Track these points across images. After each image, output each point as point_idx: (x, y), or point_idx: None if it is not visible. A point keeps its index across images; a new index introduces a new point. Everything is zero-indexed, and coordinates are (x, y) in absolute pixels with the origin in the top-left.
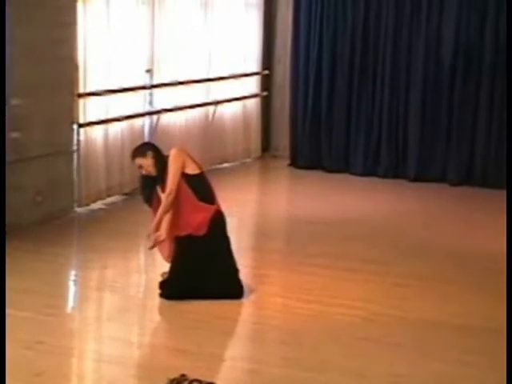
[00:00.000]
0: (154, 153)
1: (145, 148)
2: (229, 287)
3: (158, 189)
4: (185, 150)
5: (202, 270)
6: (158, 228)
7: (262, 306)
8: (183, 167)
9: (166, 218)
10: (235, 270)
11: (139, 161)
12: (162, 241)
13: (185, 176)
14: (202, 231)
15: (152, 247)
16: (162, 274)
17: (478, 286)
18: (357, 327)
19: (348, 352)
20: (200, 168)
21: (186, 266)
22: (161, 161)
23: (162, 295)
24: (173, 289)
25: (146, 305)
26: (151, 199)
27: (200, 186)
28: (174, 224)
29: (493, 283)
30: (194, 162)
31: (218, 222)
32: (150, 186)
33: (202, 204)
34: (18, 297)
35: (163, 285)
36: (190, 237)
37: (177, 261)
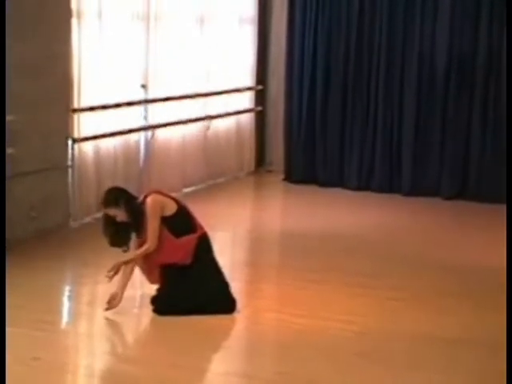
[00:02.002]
0: (127, 201)
1: (117, 196)
2: (220, 302)
3: (134, 235)
4: (158, 193)
5: (191, 289)
6: (118, 268)
7: (255, 320)
8: (161, 215)
9: (127, 272)
10: (225, 285)
11: (112, 211)
12: (115, 306)
13: (162, 219)
14: (188, 261)
15: (107, 309)
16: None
17: (472, 299)
18: (350, 341)
19: (341, 367)
20: (177, 202)
21: (174, 286)
22: (135, 208)
23: (154, 310)
24: (164, 304)
25: (140, 320)
26: (126, 245)
27: (178, 224)
28: (155, 261)
29: (487, 297)
30: (170, 198)
31: (201, 246)
32: (122, 231)
33: (181, 239)
34: (13, 312)
35: (154, 300)
36: (175, 265)
37: (165, 282)
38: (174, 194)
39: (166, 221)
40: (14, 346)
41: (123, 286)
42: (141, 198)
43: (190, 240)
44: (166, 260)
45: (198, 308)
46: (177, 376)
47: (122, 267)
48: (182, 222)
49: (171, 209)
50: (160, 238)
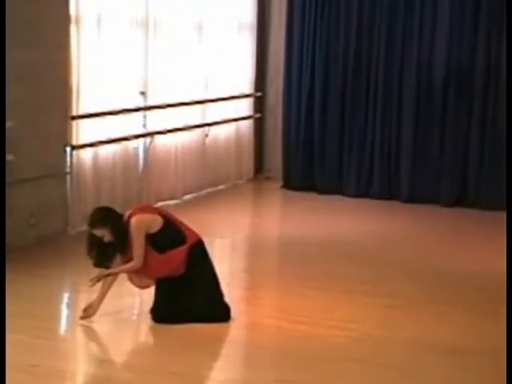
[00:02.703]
0: (113, 221)
1: (103, 216)
2: (215, 310)
3: (118, 255)
4: (144, 210)
5: (186, 299)
6: (100, 279)
7: (254, 327)
8: (146, 234)
9: (106, 285)
10: (219, 293)
11: (99, 232)
12: (90, 316)
13: (147, 237)
14: (180, 271)
15: (82, 318)
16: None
17: (471, 307)
18: (349, 349)
19: (340, 373)
20: (163, 216)
21: (169, 297)
22: (121, 229)
23: (153, 319)
24: (161, 314)
25: (138, 327)
26: (110, 265)
27: (163, 240)
28: (147, 277)
29: (485, 305)
30: (156, 213)
31: (195, 255)
32: (107, 252)
33: (167, 254)
34: (11, 319)
35: (152, 310)
36: (168, 277)
37: (160, 294)
38: (172, 202)
39: (151, 238)
40: (12, 353)
41: (101, 297)
42: (126, 216)
43: (179, 252)
44: (157, 275)
45: (195, 317)
46: (175, 383)
47: (103, 279)
48: (168, 237)
49: (157, 224)
50: (145, 257)
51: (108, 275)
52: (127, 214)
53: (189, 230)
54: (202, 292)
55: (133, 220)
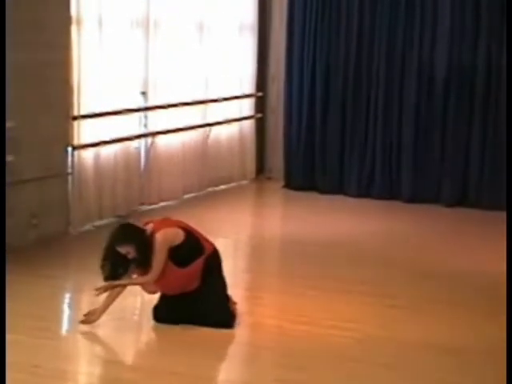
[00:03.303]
0: (138, 239)
1: (128, 233)
2: (220, 317)
3: (133, 269)
4: (166, 222)
5: (193, 304)
6: (108, 289)
7: (255, 327)
8: (169, 247)
9: (113, 295)
10: (227, 300)
11: (125, 249)
12: (91, 322)
13: (169, 250)
14: (195, 285)
15: (83, 322)
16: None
17: (471, 307)
18: (350, 349)
19: (341, 374)
20: (184, 229)
21: (174, 299)
22: (146, 245)
23: (154, 318)
24: (163, 313)
25: (140, 327)
26: (120, 278)
27: (185, 253)
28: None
29: (485, 305)
30: (177, 226)
31: (209, 266)
32: (122, 266)
33: (188, 268)
34: (12, 320)
35: (155, 309)
36: (181, 293)
37: (165, 297)
38: (174, 202)
39: (172, 251)
40: (14, 353)
41: (106, 306)
42: (148, 229)
43: (196, 265)
44: (175, 291)
45: (199, 322)
46: (177, 383)
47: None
48: (189, 249)
49: (180, 238)
50: (164, 270)
51: (117, 286)
52: (148, 227)
53: (206, 240)
54: (210, 299)
55: (158, 235)
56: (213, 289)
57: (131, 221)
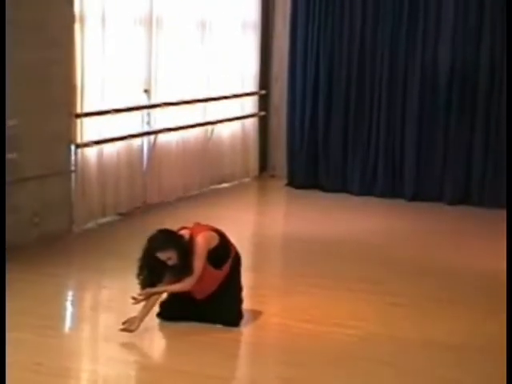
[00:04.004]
0: (179, 244)
1: (168, 239)
2: (229, 316)
3: (168, 276)
4: (201, 227)
5: (206, 304)
6: (148, 296)
7: (259, 326)
8: (208, 250)
9: (151, 303)
10: (240, 300)
11: (166, 254)
12: (131, 331)
13: (207, 253)
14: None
15: (123, 330)
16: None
17: (472, 305)
18: (353, 347)
19: (344, 371)
20: (216, 231)
21: (185, 299)
22: (186, 250)
23: (159, 315)
24: (171, 310)
25: (144, 325)
26: (155, 286)
27: (219, 255)
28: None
29: (488, 303)
30: (211, 230)
31: (233, 266)
32: (159, 274)
33: (222, 269)
34: (15, 318)
35: (162, 306)
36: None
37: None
38: (176, 199)
39: (210, 253)
40: (17, 351)
41: (145, 314)
42: (185, 234)
43: (227, 266)
44: (205, 295)
45: (206, 318)
46: (181, 382)
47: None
48: (223, 251)
49: (215, 240)
50: (202, 274)
51: (155, 294)
52: (185, 233)
53: (230, 242)
54: (224, 300)
55: (199, 239)
56: (230, 290)
57: (168, 227)
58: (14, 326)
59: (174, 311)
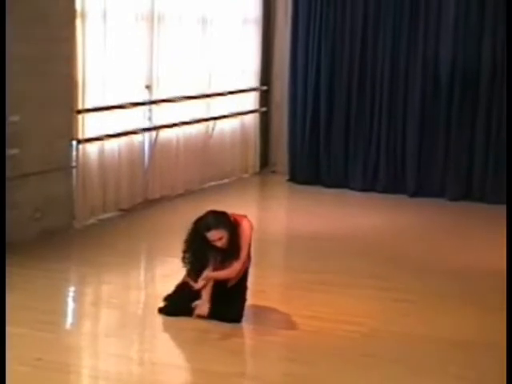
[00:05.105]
0: (231, 225)
1: (222, 219)
2: (234, 313)
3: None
4: (240, 216)
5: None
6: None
7: (262, 322)
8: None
9: (208, 289)
10: (244, 298)
11: (219, 234)
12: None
13: None
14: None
15: (198, 316)
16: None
17: (477, 301)
18: (357, 343)
19: (349, 368)
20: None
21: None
22: (237, 234)
23: (161, 310)
24: (173, 305)
25: (145, 321)
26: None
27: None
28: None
29: (491, 298)
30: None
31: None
32: (202, 256)
33: (249, 260)
34: (15, 313)
35: (167, 298)
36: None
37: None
38: (178, 195)
39: None
40: (17, 346)
41: (209, 295)
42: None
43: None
44: (238, 278)
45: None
46: (183, 378)
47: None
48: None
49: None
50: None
51: (210, 278)
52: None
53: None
54: (233, 296)
55: (245, 224)
56: (239, 287)
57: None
58: (14, 320)
59: (180, 306)
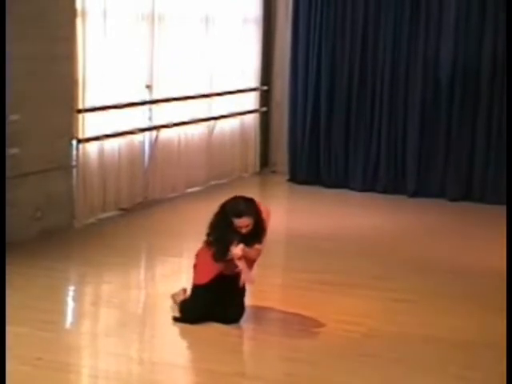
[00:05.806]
0: (257, 212)
1: (251, 205)
2: (236, 313)
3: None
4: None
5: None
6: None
7: (261, 322)
8: None
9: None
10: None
11: (247, 220)
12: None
13: None
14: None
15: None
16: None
17: (477, 301)
18: (357, 343)
19: (348, 368)
20: None
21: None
22: (261, 221)
23: (178, 319)
24: (189, 312)
25: (145, 320)
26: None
27: None
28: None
29: (491, 298)
30: None
31: None
32: (226, 241)
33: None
34: (16, 312)
35: (182, 304)
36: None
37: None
38: (178, 195)
39: None
40: (17, 345)
41: (246, 268)
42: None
43: None
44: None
45: (216, 317)
46: (182, 377)
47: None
48: None
49: None
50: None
51: (245, 251)
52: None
53: None
54: (237, 297)
55: (264, 209)
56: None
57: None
58: (14, 320)
59: (197, 312)
